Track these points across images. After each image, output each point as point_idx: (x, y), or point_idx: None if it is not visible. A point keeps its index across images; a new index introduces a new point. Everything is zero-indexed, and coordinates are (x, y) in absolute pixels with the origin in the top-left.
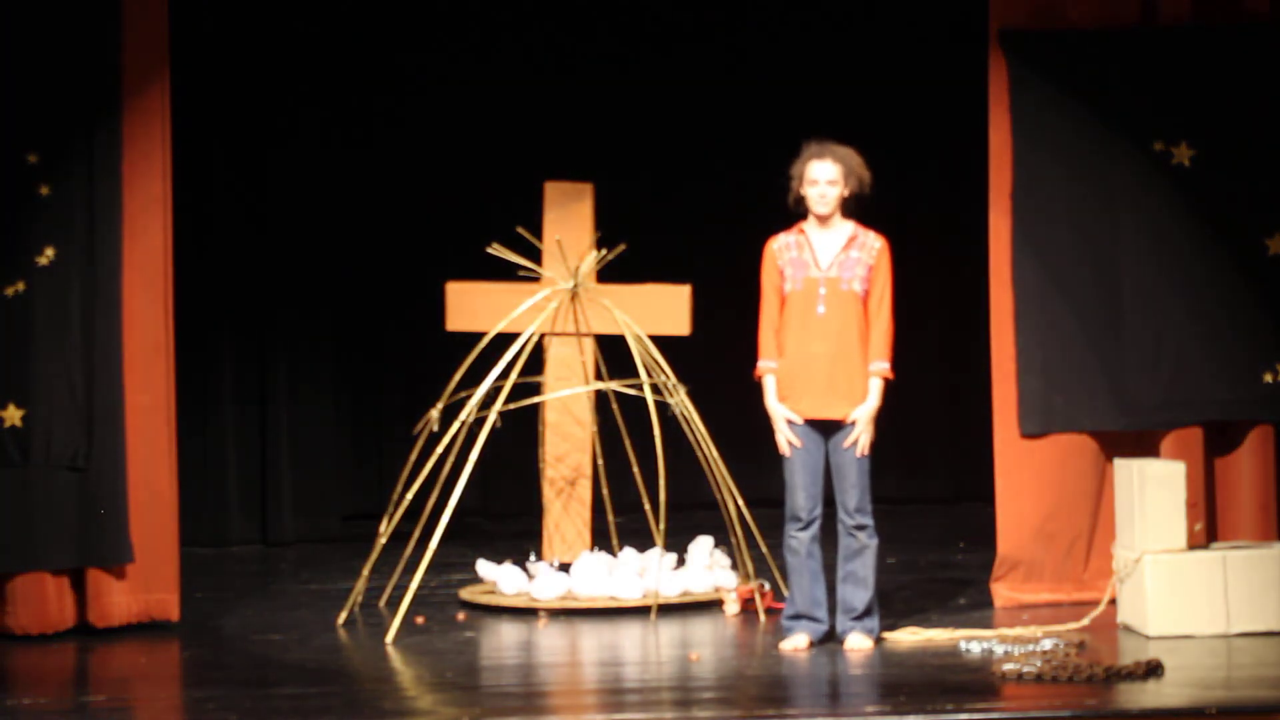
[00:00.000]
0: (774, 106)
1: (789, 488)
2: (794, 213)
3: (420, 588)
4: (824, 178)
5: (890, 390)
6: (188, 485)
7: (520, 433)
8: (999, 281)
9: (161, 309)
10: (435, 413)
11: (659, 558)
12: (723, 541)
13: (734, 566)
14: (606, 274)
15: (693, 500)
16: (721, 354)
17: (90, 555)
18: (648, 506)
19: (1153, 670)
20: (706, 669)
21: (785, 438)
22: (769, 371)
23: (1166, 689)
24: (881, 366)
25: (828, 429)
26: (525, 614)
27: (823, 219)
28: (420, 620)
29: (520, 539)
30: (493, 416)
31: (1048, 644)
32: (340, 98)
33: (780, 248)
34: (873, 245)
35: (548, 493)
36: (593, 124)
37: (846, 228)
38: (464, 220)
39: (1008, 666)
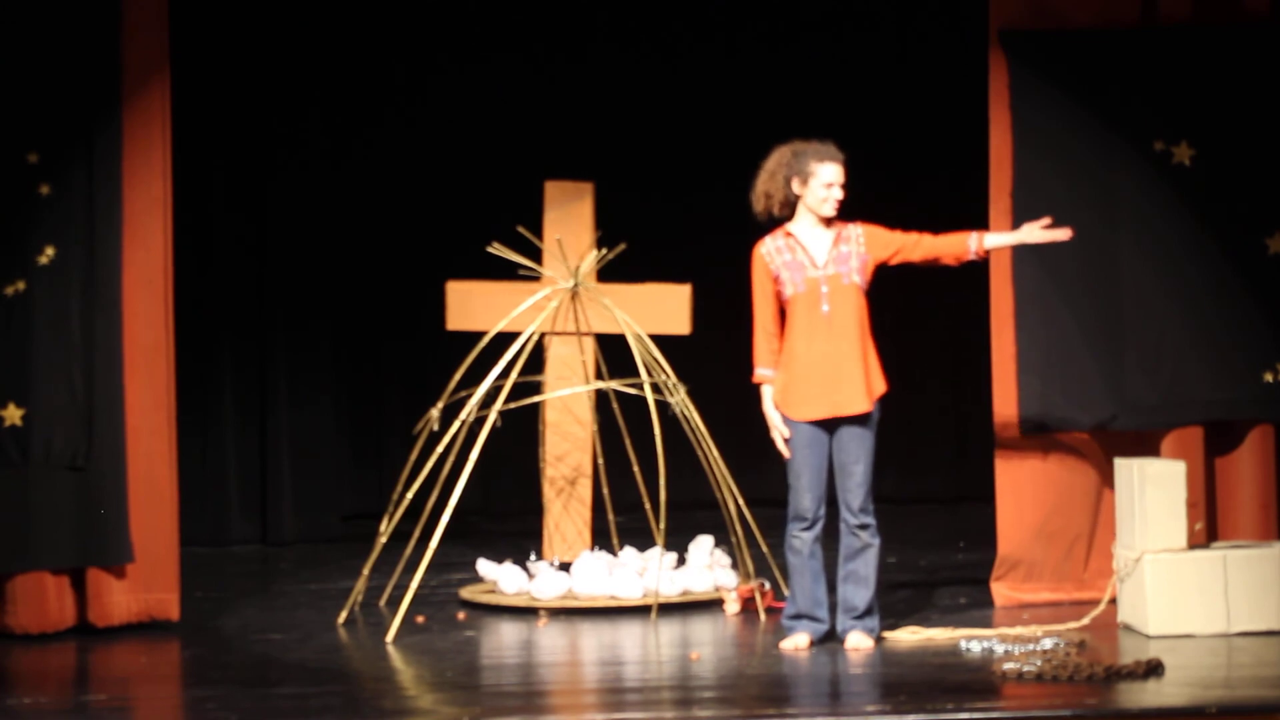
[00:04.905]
0: (774, 106)
1: (794, 489)
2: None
3: (420, 587)
4: (839, 180)
5: (890, 390)
6: (188, 485)
7: (520, 432)
8: (999, 281)
9: (161, 308)
10: (435, 412)
11: (659, 557)
12: (723, 541)
13: (734, 566)
14: (606, 273)
15: (693, 500)
16: (722, 354)
17: (90, 555)
18: (648, 506)
19: (1153, 670)
20: (707, 668)
21: (780, 447)
22: (766, 380)
23: (1166, 688)
24: (973, 236)
25: (832, 428)
26: (525, 613)
27: (829, 221)
28: (420, 620)
29: (520, 538)
30: (493, 416)
31: (1048, 643)
32: (340, 100)
33: (771, 252)
34: (856, 234)
35: (548, 492)
36: (593, 124)
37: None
38: (464, 220)
39: (1008, 666)
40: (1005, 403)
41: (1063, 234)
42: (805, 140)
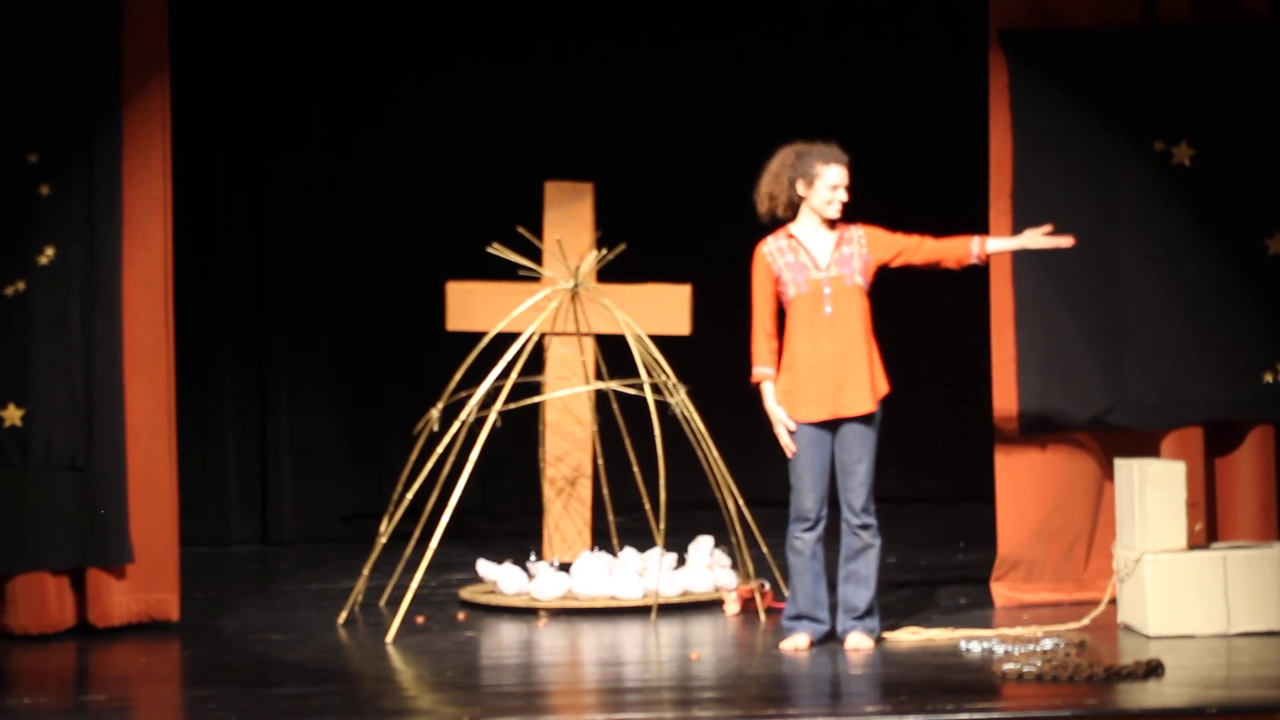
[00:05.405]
0: (774, 106)
1: (796, 490)
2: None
3: (420, 587)
4: (844, 182)
5: (891, 391)
6: (188, 485)
7: (520, 433)
8: (999, 282)
9: (161, 308)
10: (435, 412)
11: (659, 557)
12: (723, 541)
13: (734, 566)
14: (606, 274)
15: (693, 500)
16: (722, 354)
17: (90, 555)
18: (648, 506)
19: (1153, 670)
20: (707, 669)
21: (784, 442)
22: (765, 379)
23: (1166, 689)
24: (975, 240)
25: (835, 428)
26: (525, 614)
27: (831, 222)
28: (420, 620)
29: (520, 539)
30: (493, 416)
31: (1048, 644)
32: (340, 99)
33: (773, 252)
34: (859, 236)
35: (548, 492)
36: (593, 124)
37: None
38: (464, 220)
39: (1008, 666)
40: (1005, 402)
41: (1065, 241)
42: (808, 141)
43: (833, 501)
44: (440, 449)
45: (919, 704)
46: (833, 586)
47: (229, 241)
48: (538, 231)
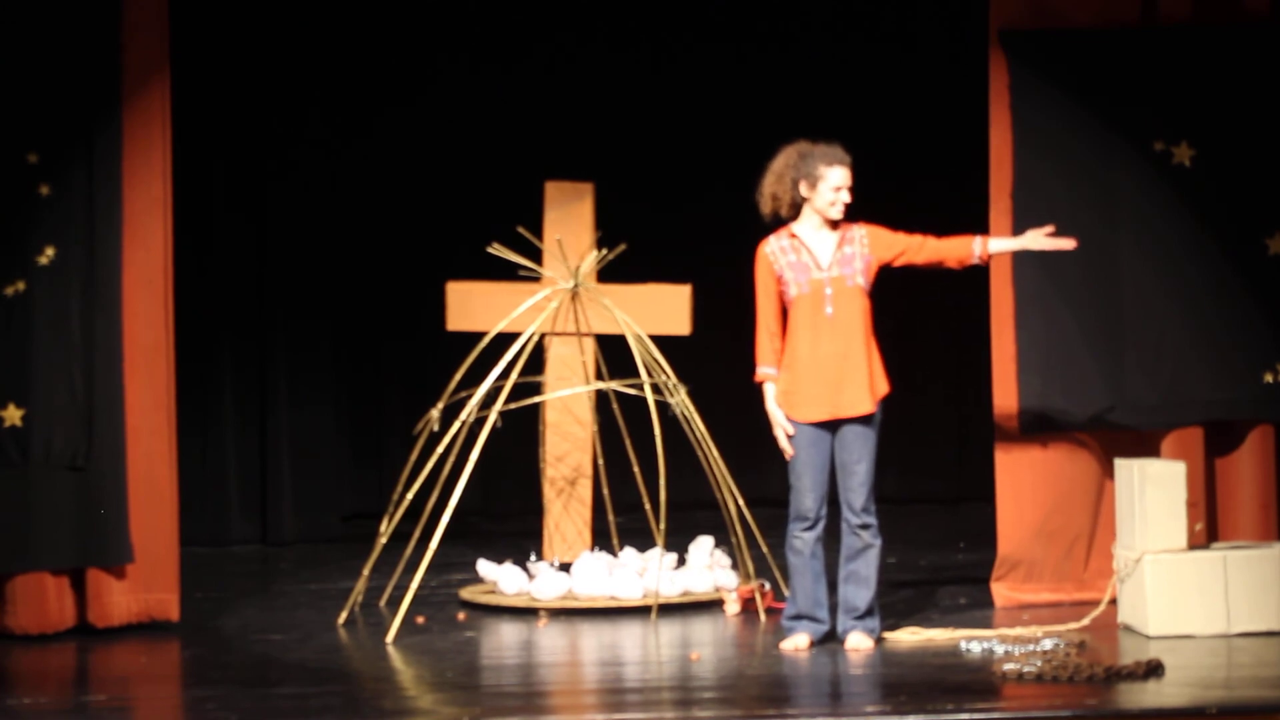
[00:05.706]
0: (775, 106)
1: (796, 489)
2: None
3: (420, 588)
4: (847, 183)
5: (892, 391)
6: (188, 485)
7: (520, 433)
8: (999, 281)
9: (161, 308)
10: (436, 412)
11: (659, 557)
12: (723, 541)
13: (734, 566)
14: (606, 274)
15: (693, 500)
16: (722, 354)
17: (90, 555)
18: (648, 506)
19: (1153, 670)
20: (707, 669)
21: (782, 445)
22: (768, 379)
23: (1166, 689)
24: (977, 240)
25: (835, 428)
26: (525, 614)
27: (833, 223)
28: (421, 620)
29: (520, 539)
30: (493, 416)
31: (1048, 644)
32: (340, 100)
33: (775, 252)
34: (860, 235)
35: (548, 492)
36: (593, 124)
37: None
38: (464, 220)
39: (1008, 666)
40: (1005, 402)
41: (1066, 243)
42: (811, 141)
43: (833, 501)
44: (440, 449)
45: (919, 704)
46: (833, 586)
47: (229, 242)
48: (538, 231)
